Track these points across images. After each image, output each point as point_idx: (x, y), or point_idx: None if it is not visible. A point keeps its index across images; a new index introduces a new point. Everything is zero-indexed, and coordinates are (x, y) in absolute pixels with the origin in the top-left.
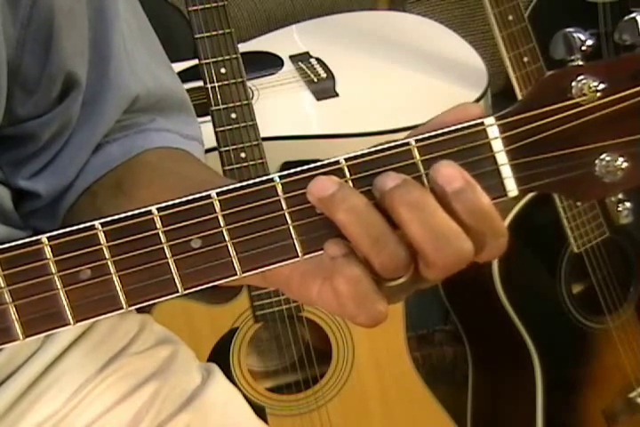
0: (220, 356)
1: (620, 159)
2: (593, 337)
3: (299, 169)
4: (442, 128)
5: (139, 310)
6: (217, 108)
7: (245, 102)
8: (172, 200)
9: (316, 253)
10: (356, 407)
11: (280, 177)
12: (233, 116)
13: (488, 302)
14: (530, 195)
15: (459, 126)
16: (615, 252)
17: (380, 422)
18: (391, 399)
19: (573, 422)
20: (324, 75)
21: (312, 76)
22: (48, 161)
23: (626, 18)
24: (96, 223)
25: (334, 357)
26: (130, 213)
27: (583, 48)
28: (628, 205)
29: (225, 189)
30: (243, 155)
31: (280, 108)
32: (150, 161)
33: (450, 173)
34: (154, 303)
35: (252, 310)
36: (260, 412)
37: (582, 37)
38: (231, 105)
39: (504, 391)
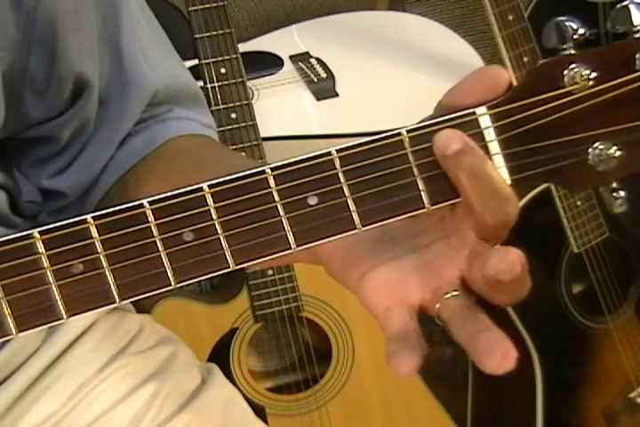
0: (220, 356)
1: (614, 148)
2: (593, 337)
3: (290, 161)
4: (463, 95)
5: (139, 311)
6: (217, 108)
7: (245, 102)
8: (164, 193)
9: (309, 245)
10: (356, 407)
11: (272, 169)
12: (233, 116)
13: (488, 302)
14: (530, 195)
15: (450, 116)
16: (615, 252)
17: (379, 423)
18: (391, 399)
19: (573, 422)
20: (323, 75)
21: (312, 76)
22: (70, 160)
23: (618, 6)
24: (88, 217)
25: (334, 357)
26: (122, 207)
27: (575, 37)
28: (622, 193)
29: (216, 181)
30: (243, 155)
31: (280, 108)
32: (180, 148)
33: (448, 136)
34: (147, 298)
35: (252, 310)
36: (259, 412)
37: (574, 26)
38: (231, 105)
39: (504, 391)
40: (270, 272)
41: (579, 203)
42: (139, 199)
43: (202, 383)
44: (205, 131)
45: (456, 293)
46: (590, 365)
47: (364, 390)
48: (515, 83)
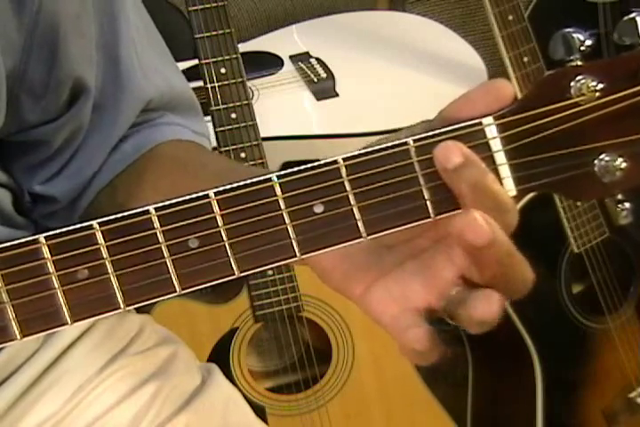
0: (220, 356)
1: (619, 159)
2: (593, 337)
3: (296, 169)
4: (468, 105)
5: (139, 311)
6: (217, 108)
7: (245, 102)
8: (170, 200)
9: (313, 254)
10: (356, 407)
11: (278, 177)
12: (233, 116)
13: None
14: (530, 195)
15: (456, 126)
16: (615, 252)
17: (379, 423)
18: (391, 399)
19: (573, 422)
20: (323, 75)
21: (312, 76)
22: (62, 165)
23: (625, 18)
24: (94, 223)
25: (334, 357)
26: (128, 213)
27: (582, 48)
28: (627, 205)
29: (222, 188)
30: (243, 155)
31: (280, 108)
32: (169, 153)
33: (449, 148)
34: (151, 303)
35: (252, 310)
36: (259, 412)
37: (581, 38)
38: (231, 105)
39: (504, 391)
40: (270, 272)
41: (579, 203)
42: (144, 205)
43: (202, 384)
44: (196, 138)
45: (459, 288)
46: (590, 365)
47: (364, 390)
48: (515, 84)
